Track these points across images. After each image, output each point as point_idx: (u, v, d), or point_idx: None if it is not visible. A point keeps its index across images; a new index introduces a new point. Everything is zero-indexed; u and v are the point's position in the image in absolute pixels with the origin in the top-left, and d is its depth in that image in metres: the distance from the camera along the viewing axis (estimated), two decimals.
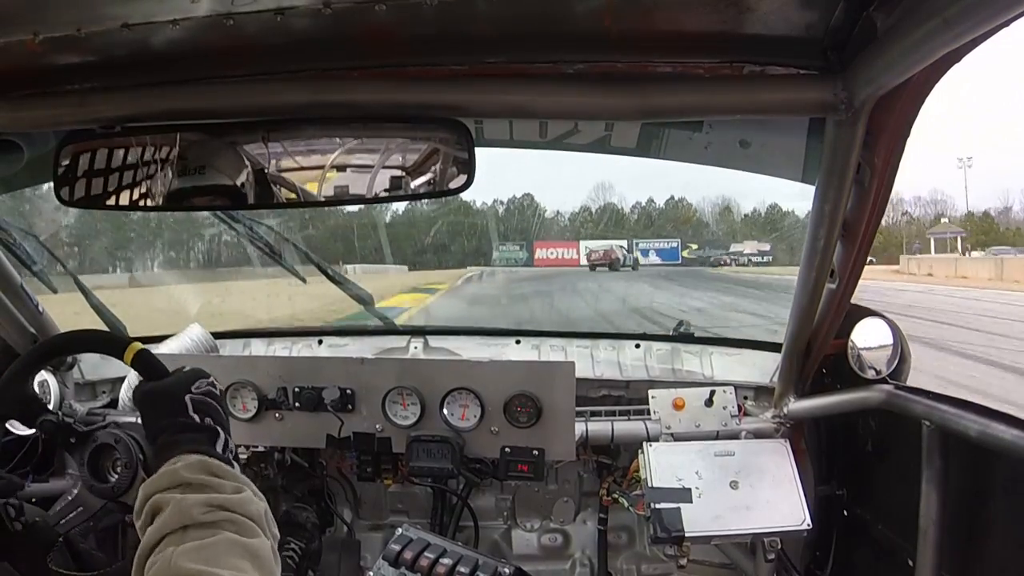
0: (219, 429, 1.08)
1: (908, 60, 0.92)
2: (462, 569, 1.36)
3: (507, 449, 1.78)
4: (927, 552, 1.42)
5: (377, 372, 1.82)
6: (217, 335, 2.18)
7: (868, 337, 1.63)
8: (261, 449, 1.93)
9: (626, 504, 1.85)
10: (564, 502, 2.17)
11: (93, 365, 2.12)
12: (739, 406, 1.86)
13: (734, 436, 1.81)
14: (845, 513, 1.86)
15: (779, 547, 1.69)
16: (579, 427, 1.82)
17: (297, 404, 1.83)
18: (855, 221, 1.31)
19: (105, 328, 2.15)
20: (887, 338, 1.61)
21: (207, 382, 1.13)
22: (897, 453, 1.67)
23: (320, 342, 2.28)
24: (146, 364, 1.17)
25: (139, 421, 1.42)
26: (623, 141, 1.78)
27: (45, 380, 1.96)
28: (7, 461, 1.89)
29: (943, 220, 52.91)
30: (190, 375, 1.14)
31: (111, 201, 1.34)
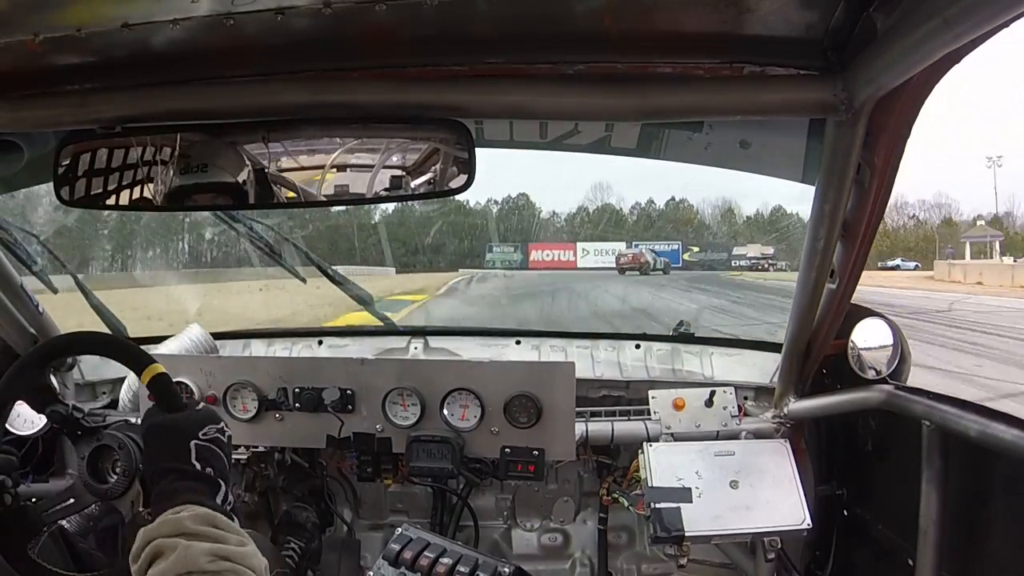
0: (220, 481, 1.08)
1: (908, 60, 0.92)
2: (462, 569, 1.35)
3: (507, 449, 1.78)
4: (927, 552, 1.42)
5: (377, 372, 1.82)
6: (217, 335, 2.18)
7: (868, 337, 1.63)
8: (261, 449, 1.93)
9: (626, 504, 1.85)
10: (564, 502, 2.17)
11: (93, 366, 2.12)
12: (739, 406, 1.86)
13: (734, 436, 1.81)
14: (845, 513, 1.86)
15: (779, 547, 1.69)
16: (579, 427, 1.82)
17: (297, 404, 1.83)
18: (855, 221, 1.31)
19: (106, 329, 2.15)
20: (887, 338, 1.61)
21: (216, 428, 1.11)
22: (897, 453, 1.67)
23: (320, 343, 2.28)
24: (162, 390, 1.15)
25: (139, 422, 1.43)
26: (623, 142, 1.78)
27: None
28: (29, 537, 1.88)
29: (980, 223, 50.51)
30: (201, 417, 1.13)
31: (111, 201, 1.34)
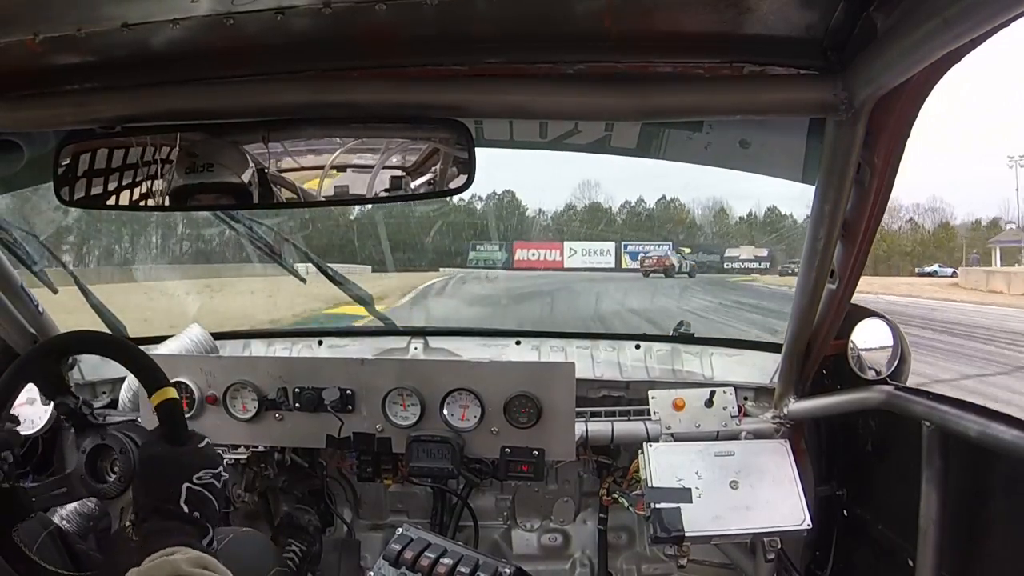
0: (208, 525, 1.08)
1: (908, 60, 0.92)
2: (462, 569, 1.35)
3: (507, 449, 1.78)
4: (927, 552, 1.42)
5: (377, 372, 1.82)
6: (217, 336, 2.18)
7: (868, 338, 1.63)
8: (261, 449, 1.93)
9: (626, 504, 1.85)
10: (564, 502, 2.17)
11: (93, 366, 2.12)
12: (739, 406, 1.86)
13: (734, 436, 1.81)
14: (845, 513, 1.86)
15: (779, 547, 1.69)
16: (579, 427, 1.82)
17: (297, 404, 1.83)
18: (855, 221, 1.31)
19: (106, 329, 2.15)
20: (887, 339, 1.61)
21: (212, 473, 1.11)
22: (897, 453, 1.67)
23: (320, 343, 2.28)
24: (169, 417, 1.15)
25: (139, 422, 1.43)
26: (623, 141, 1.78)
27: None
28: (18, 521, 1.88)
29: (1009, 226, 47.95)
30: (199, 459, 1.13)
31: (111, 201, 1.34)
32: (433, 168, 1.28)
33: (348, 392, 1.81)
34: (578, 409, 1.80)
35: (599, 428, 1.86)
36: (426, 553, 1.38)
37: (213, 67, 1.15)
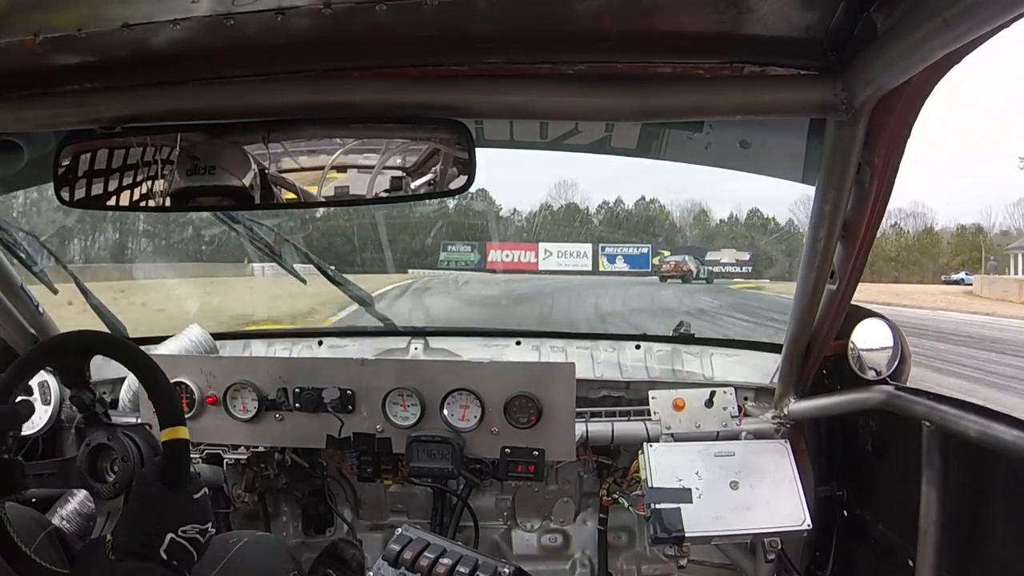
0: (185, 571, 1.11)
1: (908, 61, 0.92)
2: (462, 569, 1.35)
3: (507, 449, 1.78)
4: (927, 552, 1.42)
5: (377, 373, 1.82)
6: (217, 336, 2.18)
7: (868, 338, 1.62)
8: (261, 449, 1.93)
9: (626, 504, 1.85)
10: (564, 502, 2.17)
11: (95, 366, 2.10)
12: (739, 407, 1.86)
13: (734, 437, 1.81)
14: (845, 513, 1.86)
15: (779, 547, 1.69)
16: (579, 428, 1.82)
17: (297, 405, 1.83)
18: (855, 222, 1.31)
19: (106, 330, 2.15)
20: (887, 339, 1.61)
21: (198, 529, 1.12)
22: (897, 454, 1.67)
23: (320, 343, 2.28)
24: (174, 457, 1.15)
25: (139, 421, 1.43)
26: (623, 142, 1.78)
27: (45, 380, 1.96)
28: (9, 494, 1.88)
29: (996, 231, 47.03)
30: (193, 512, 1.14)
31: (111, 201, 1.34)
32: (433, 168, 1.28)
33: (348, 392, 1.82)
34: (578, 409, 1.80)
35: (599, 428, 1.86)
36: (425, 553, 1.38)
37: (213, 67, 1.15)
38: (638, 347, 2.18)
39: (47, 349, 1.33)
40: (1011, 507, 1.30)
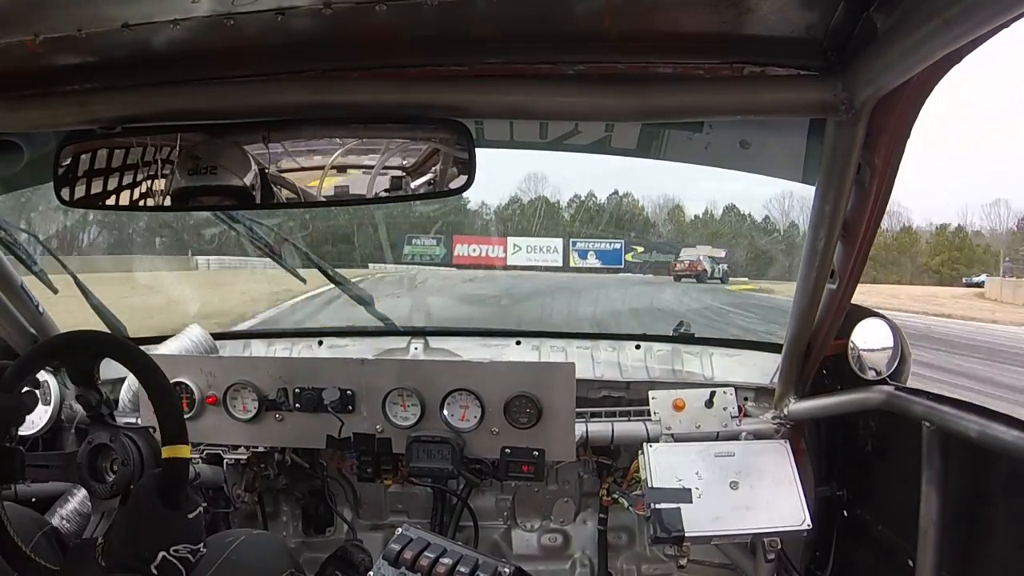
0: None
1: (908, 61, 0.92)
2: (462, 569, 1.35)
3: (507, 450, 1.78)
4: (927, 552, 1.42)
5: (377, 373, 1.82)
6: (217, 336, 2.18)
7: (868, 338, 1.62)
8: (261, 449, 1.93)
9: (626, 504, 1.85)
10: (564, 502, 2.17)
11: None
12: (739, 407, 1.86)
13: (734, 437, 1.81)
14: (845, 513, 1.86)
15: (779, 547, 1.69)
16: (579, 428, 1.82)
17: (297, 405, 1.83)
18: (855, 221, 1.31)
19: (107, 330, 2.15)
20: (887, 339, 1.61)
21: (190, 549, 1.14)
22: (897, 454, 1.67)
23: (320, 343, 2.28)
24: (173, 474, 1.16)
25: (139, 422, 1.43)
26: (623, 142, 1.78)
27: (46, 380, 1.96)
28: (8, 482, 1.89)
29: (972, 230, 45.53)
30: (187, 531, 1.15)
31: (111, 201, 1.34)
32: (433, 168, 1.28)
33: (348, 392, 1.81)
34: (578, 409, 1.80)
35: (599, 428, 1.86)
36: (426, 553, 1.38)
37: (213, 67, 1.15)
38: (638, 347, 2.18)
39: (58, 343, 1.34)
40: (1011, 507, 1.30)
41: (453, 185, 1.27)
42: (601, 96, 1.13)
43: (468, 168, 1.25)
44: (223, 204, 1.47)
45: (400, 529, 1.46)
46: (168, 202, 1.31)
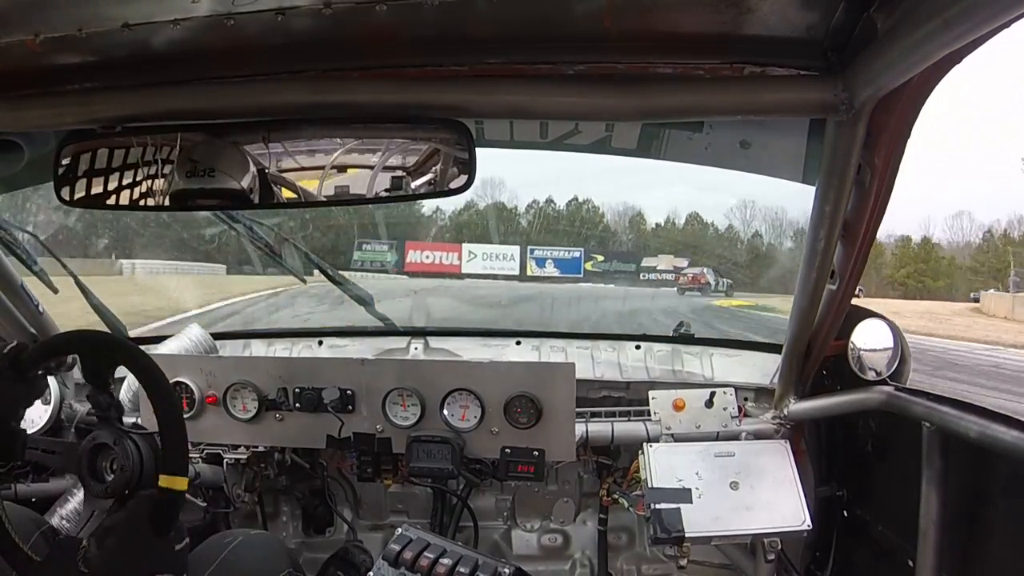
0: None
1: (908, 61, 0.92)
2: (462, 569, 1.35)
3: (507, 450, 1.78)
4: (927, 553, 1.42)
5: (377, 373, 1.82)
6: (217, 336, 2.18)
7: (868, 338, 1.62)
8: (261, 449, 1.93)
9: (626, 504, 1.85)
10: (564, 502, 2.17)
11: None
12: (739, 407, 1.86)
13: (734, 437, 1.81)
14: (845, 514, 1.86)
15: (779, 548, 1.69)
16: (579, 428, 1.82)
17: (297, 405, 1.83)
18: (855, 222, 1.31)
19: (106, 330, 2.15)
20: (887, 340, 1.61)
21: None
22: (897, 454, 1.67)
23: (320, 343, 2.28)
24: (166, 504, 1.17)
25: (139, 422, 1.43)
26: (624, 142, 1.78)
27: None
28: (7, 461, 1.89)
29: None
30: (171, 562, 1.18)
31: (111, 201, 1.34)
32: (433, 168, 1.28)
33: (348, 392, 1.81)
34: (578, 409, 1.80)
35: (599, 428, 1.86)
36: (425, 553, 1.38)
37: (213, 67, 1.15)
38: (638, 347, 2.18)
39: (84, 339, 1.35)
40: (1011, 508, 1.30)
41: (453, 185, 1.27)
42: (601, 96, 1.13)
43: (468, 168, 1.25)
44: (223, 204, 1.47)
45: (400, 529, 1.46)
46: (168, 202, 1.31)
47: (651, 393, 1.87)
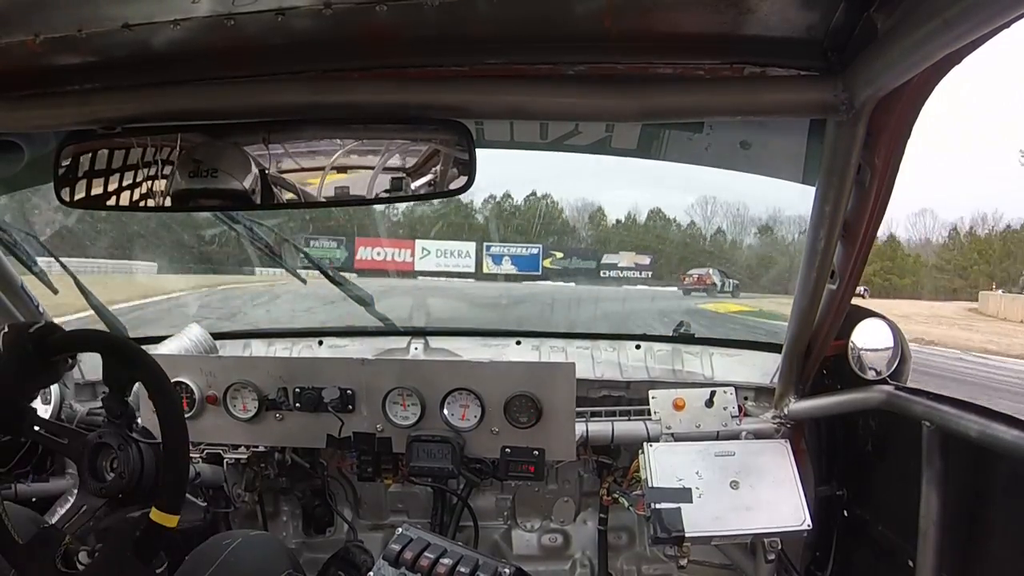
0: None
1: (908, 61, 0.92)
2: (462, 569, 1.35)
3: (507, 449, 1.78)
4: (927, 553, 1.42)
5: (377, 372, 1.82)
6: (217, 335, 2.18)
7: (868, 338, 1.63)
8: (261, 449, 1.93)
9: (626, 504, 1.85)
10: (564, 502, 2.17)
11: (93, 366, 2.12)
12: (739, 406, 1.86)
13: (734, 436, 1.81)
14: (845, 513, 1.86)
15: (779, 547, 1.69)
16: (579, 427, 1.82)
17: (297, 404, 1.83)
18: (855, 222, 1.31)
19: (106, 329, 2.15)
20: (887, 339, 1.61)
21: None
22: (897, 454, 1.67)
23: (320, 343, 2.28)
24: (153, 535, 1.19)
25: (140, 422, 1.43)
26: (624, 142, 1.78)
27: None
28: (6, 461, 1.89)
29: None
30: None
31: (111, 201, 1.34)
32: (433, 169, 1.28)
33: (348, 392, 1.82)
34: (578, 409, 1.80)
35: (599, 428, 1.86)
36: (426, 553, 1.38)
37: (214, 68, 1.15)
38: (638, 347, 2.18)
39: (103, 339, 1.37)
40: (1011, 508, 1.30)
41: (453, 186, 1.27)
42: (601, 96, 1.13)
43: (468, 169, 1.25)
44: (224, 204, 1.48)
45: (400, 529, 1.46)
46: (168, 202, 1.31)
47: (651, 393, 1.87)
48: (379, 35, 1.05)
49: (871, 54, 0.98)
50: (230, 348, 2.24)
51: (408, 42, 1.08)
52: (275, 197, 1.30)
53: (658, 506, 1.65)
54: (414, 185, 1.28)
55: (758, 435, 1.82)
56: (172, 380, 1.57)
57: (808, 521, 1.63)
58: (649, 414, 1.86)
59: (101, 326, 2.17)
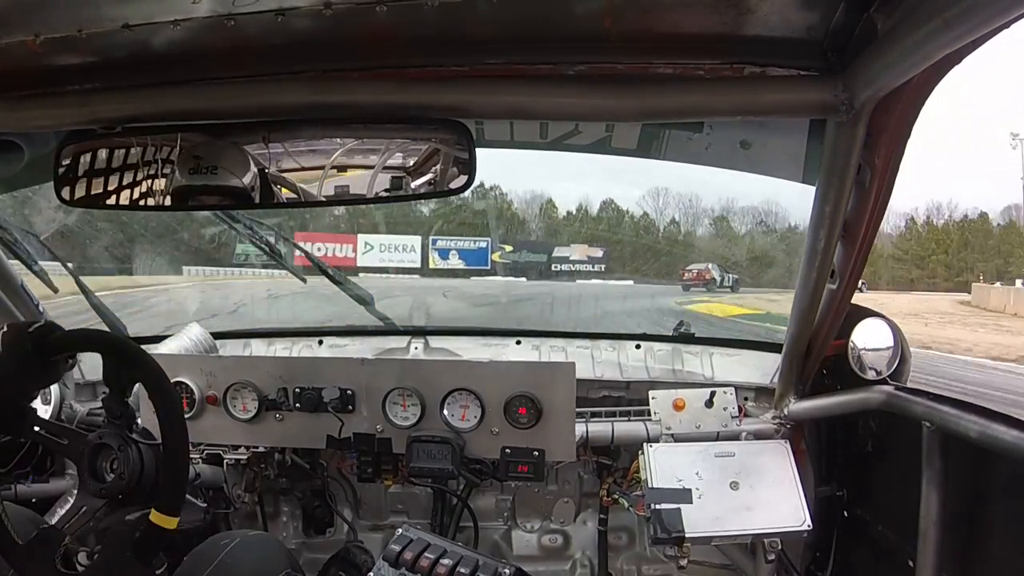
0: None
1: (908, 61, 0.92)
2: (462, 570, 1.35)
3: (507, 450, 1.78)
4: (927, 553, 1.42)
5: (377, 373, 1.82)
6: (217, 335, 2.18)
7: (869, 338, 1.63)
8: (261, 449, 1.93)
9: (626, 505, 1.85)
10: (564, 503, 2.17)
11: (93, 366, 2.12)
12: (739, 407, 1.86)
13: (734, 437, 1.81)
14: (845, 514, 1.86)
15: (779, 548, 1.69)
16: (579, 428, 1.82)
17: (297, 405, 1.83)
18: (855, 222, 1.31)
19: (106, 329, 2.15)
20: (888, 339, 1.61)
21: None
22: (897, 454, 1.67)
23: (320, 342, 2.28)
24: (153, 537, 1.19)
25: (140, 422, 1.43)
26: (624, 142, 1.78)
27: None
28: (6, 461, 1.89)
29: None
30: None
31: (111, 201, 1.34)
32: (433, 168, 1.28)
33: (348, 392, 1.81)
34: (578, 409, 1.80)
35: (599, 428, 1.86)
36: (426, 554, 1.38)
37: (214, 68, 1.15)
38: (638, 347, 2.18)
39: (103, 339, 1.37)
40: (1011, 508, 1.30)
41: (453, 185, 1.27)
42: (601, 96, 1.13)
43: (468, 168, 1.25)
44: (222, 204, 1.48)
45: (400, 530, 1.46)
46: (168, 202, 1.31)
47: (651, 393, 1.87)
48: (379, 35, 1.05)
49: (871, 54, 0.98)
50: (230, 347, 2.24)
51: (408, 42, 1.09)
52: (275, 196, 1.30)
53: (658, 506, 1.65)
54: (414, 184, 1.28)
55: (758, 435, 1.82)
56: (172, 380, 1.57)
57: (808, 521, 1.63)
58: (649, 414, 1.85)
59: (101, 325, 2.17)
